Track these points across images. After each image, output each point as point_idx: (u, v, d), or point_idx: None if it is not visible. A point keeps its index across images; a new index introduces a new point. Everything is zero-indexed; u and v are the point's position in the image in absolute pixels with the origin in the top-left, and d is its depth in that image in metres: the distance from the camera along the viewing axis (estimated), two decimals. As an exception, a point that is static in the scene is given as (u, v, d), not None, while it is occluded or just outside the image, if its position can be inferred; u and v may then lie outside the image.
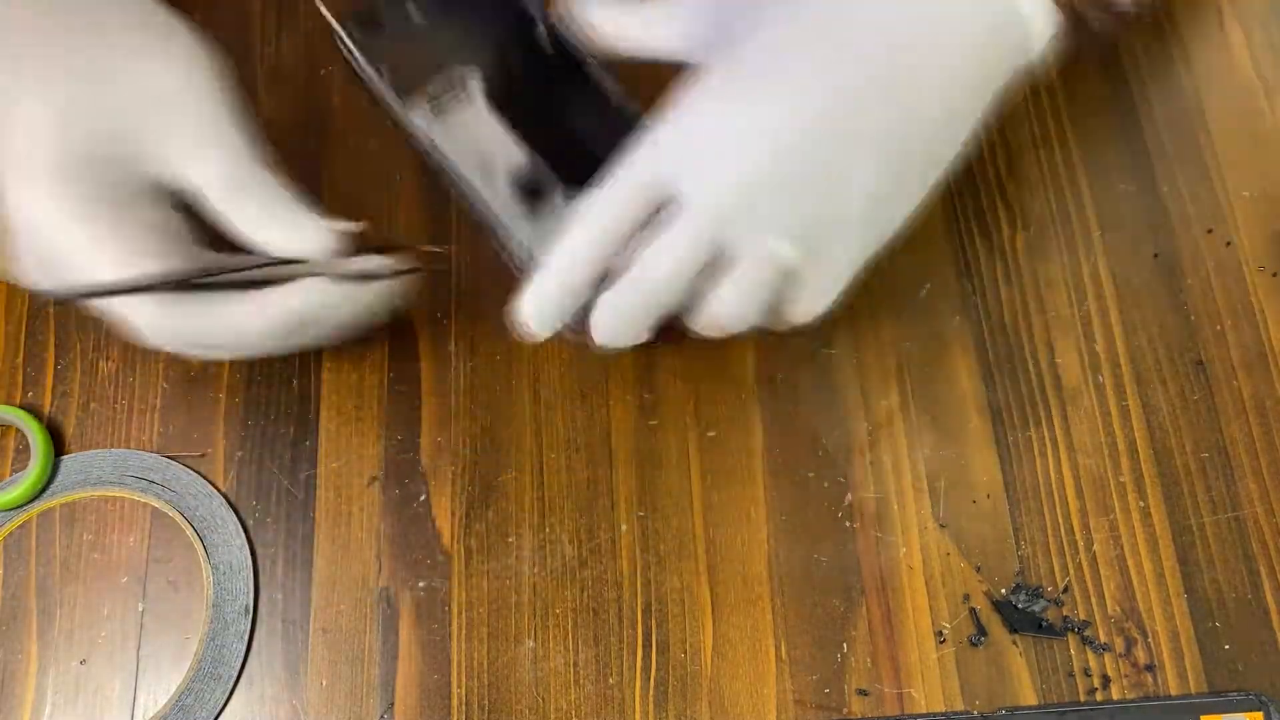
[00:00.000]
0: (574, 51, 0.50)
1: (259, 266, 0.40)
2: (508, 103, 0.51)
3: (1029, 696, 0.43)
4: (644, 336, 0.41)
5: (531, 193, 0.49)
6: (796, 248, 0.40)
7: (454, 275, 0.49)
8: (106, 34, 0.40)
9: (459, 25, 0.52)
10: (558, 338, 0.48)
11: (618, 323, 0.41)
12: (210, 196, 0.40)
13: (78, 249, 0.39)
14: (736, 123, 0.39)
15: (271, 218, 0.40)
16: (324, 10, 0.48)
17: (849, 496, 0.46)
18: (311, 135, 0.52)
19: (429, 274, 0.45)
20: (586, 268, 0.40)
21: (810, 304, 0.42)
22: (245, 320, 0.40)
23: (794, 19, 0.40)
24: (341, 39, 0.51)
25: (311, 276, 0.40)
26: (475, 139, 0.50)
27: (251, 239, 0.40)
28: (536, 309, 0.41)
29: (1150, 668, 0.44)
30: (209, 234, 0.41)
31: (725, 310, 0.40)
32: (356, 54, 0.50)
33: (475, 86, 0.50)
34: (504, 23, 0.52)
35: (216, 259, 0.40)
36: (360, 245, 0.41)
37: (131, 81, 0.40)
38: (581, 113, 0.51)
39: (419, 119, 0.50)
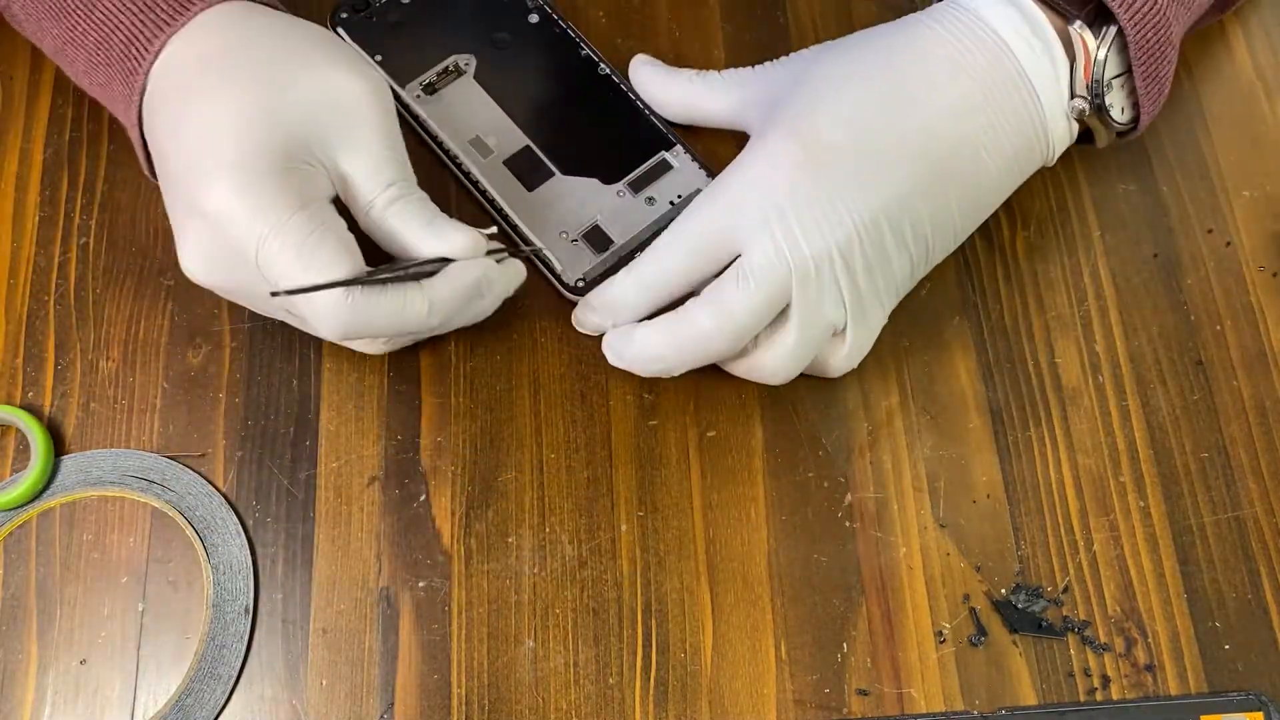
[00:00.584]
0: (566, 34, 0.51)
1: (422, 263, 0.43)
2: (499, 84, 0.51)
3: (1029, 696, 0.43)
4: (675, 373, 0.45)
5: (525, 171, 0.49)
6: (849, 317, 0.44)
7: (454, 275, 0.49)
8: (291, 45, 0.43)
9: (450, 11, 0.52)
10: (558, 338, 0.48)
11: (647, 359, 0.44)
12: (377, 204, 0.43)
13: (255, 245, 0.40)
14: (814, 195, 0.42)
15: (429, 225, 0.43)
16: None
17: (849, 496, 0.46)
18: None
19: (525, 258, 0.48)
20: (630, 312, 0.45)
21: (848, 362, 0.46)
22: (421, 306, 0.42)
23: (859, 103, 0.44)
24: (334, 25, 0.51)
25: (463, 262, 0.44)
26: (468, 120, 0.50)
27: (413, 244, 0.43)
28: (588, 314, 0.47)
29: (1150, 668, 0.44)
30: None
31: (771, 367, 0.44)
32: (348, 40, 0.50)
33: (468, 69, 0.51)
34: (495, 7, 0.52)
35: (387, 264, 0.43)
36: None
37: (314, 85, 0.42)
38: (573, 93, 0.52)
39: (413, 102, 0.50)
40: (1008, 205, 0.51)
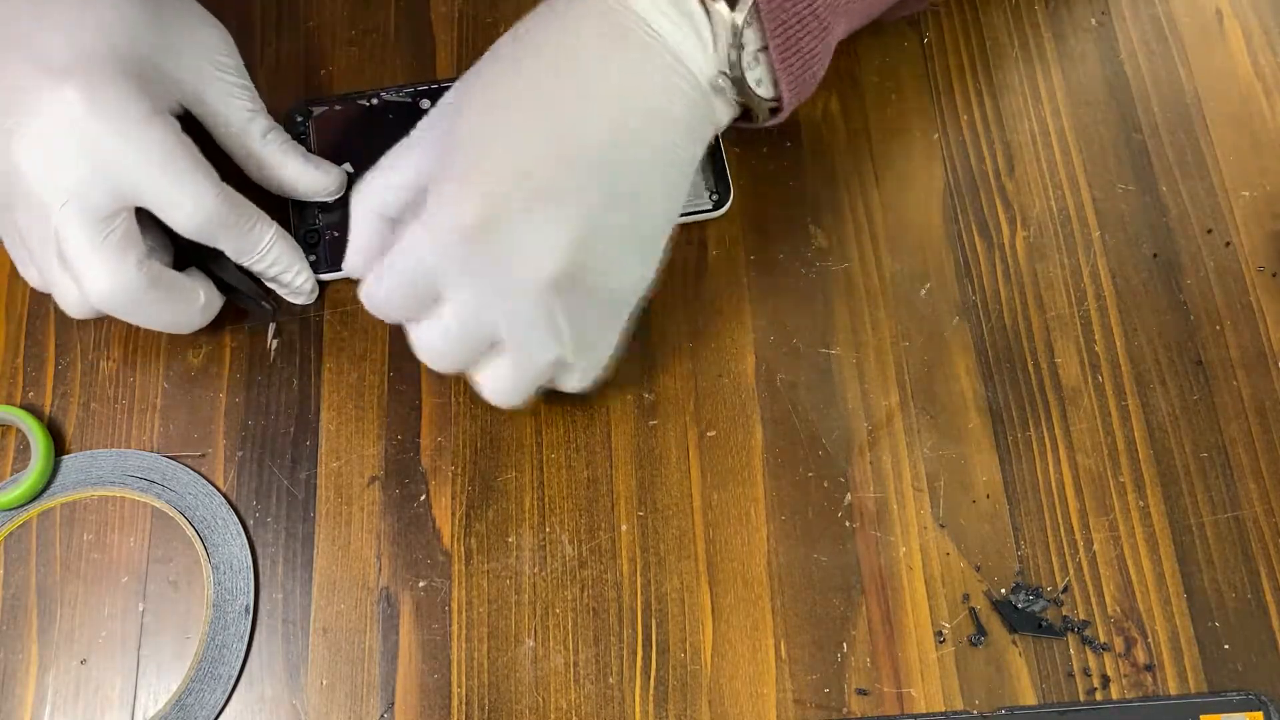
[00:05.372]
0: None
1: (257, 287, 0.48)
2: None
3: (1029, 696, 0.43)
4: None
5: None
6: (569, 352, 0.41)
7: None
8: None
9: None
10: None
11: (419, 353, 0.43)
12: (252, 130, 0.47)
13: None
14: (493, 259, 0.39)
15: (309, 160, 0.48)
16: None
17: (849, 496, 0.46)
18: (311, 135, 0.52)
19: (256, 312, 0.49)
20: (394, 301, 0.42)
21: (581, 385, 0.44)
22: (196, 309, 0.46)
23: (519, 150, 0.39)
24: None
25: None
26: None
27: (293, 178, 0.48)
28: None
29: (1150, 668, 0.44)
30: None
31: (491, 393, 0.43)
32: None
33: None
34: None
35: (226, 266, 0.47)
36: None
37: (178, 24, 0.46)
38: None
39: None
40: (1008, 205, 0.51)
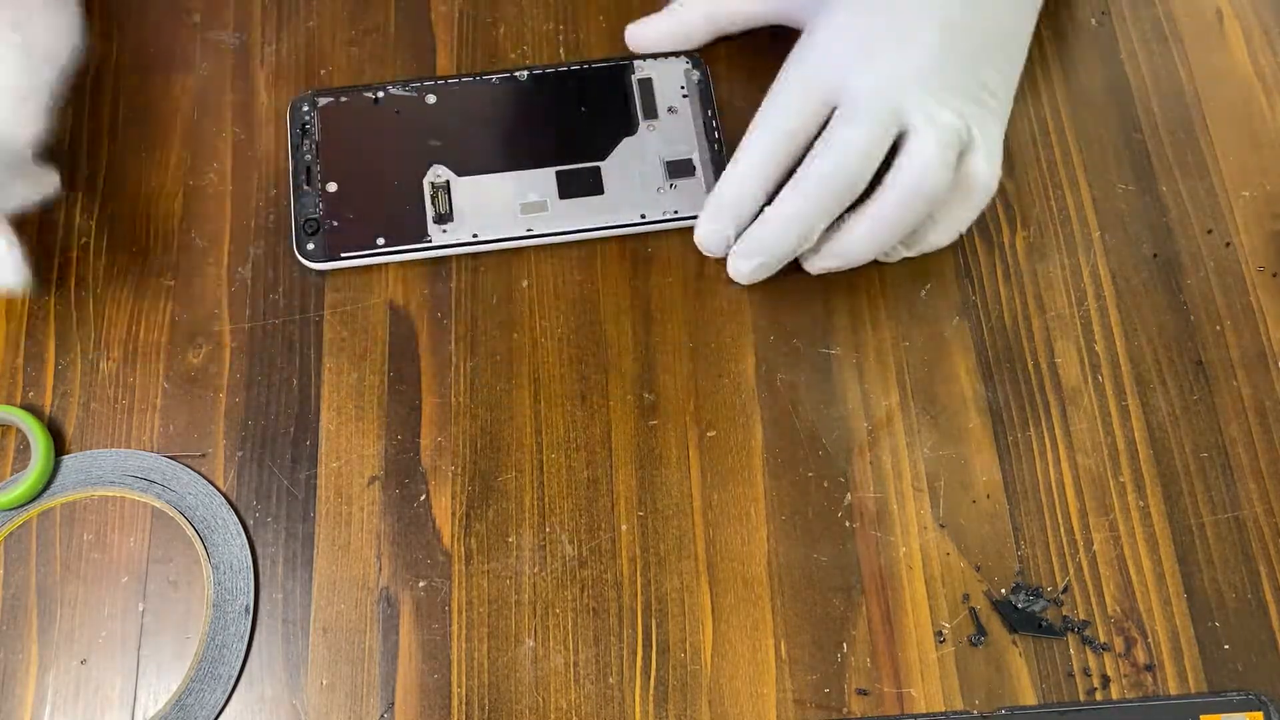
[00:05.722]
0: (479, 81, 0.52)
1: None
2: (483, 161, 0.51)
3: (1029, 696, 0.43)
4: (785, 260, 0.46)
5: (583, 183, 0.51)
6: (971, 124, 0.44)
7: (454, 276, 0.49)
8: None
9: (381, 166, 0.52)
10: (558, 338, 0.48)
11: (778, 234, 0.44)
12: None
13: None
14: (895, 24, 0.44)
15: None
16: None
17: (849, 496, 0.46)
18: (311, 135, 0.52)
19: None
20: (749, 201, 0.45)
21: (990, 166, 0.45)
22: None
23: None
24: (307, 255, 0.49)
25: None
26: (499, 201, 0.50)
27: None
28: (711, 223, 0.46)
29: (1150, 668, 0.44)
30: None
31: (915, 184, 0.43)
32: (345, 258, 0.49)
33: (446, 174, 0.51)
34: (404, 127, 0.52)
35: None
36: None
37: None
38: (534, 106, 0.54)
39: (446, 238, 0.50)
40: (1008, 205, 0.51)
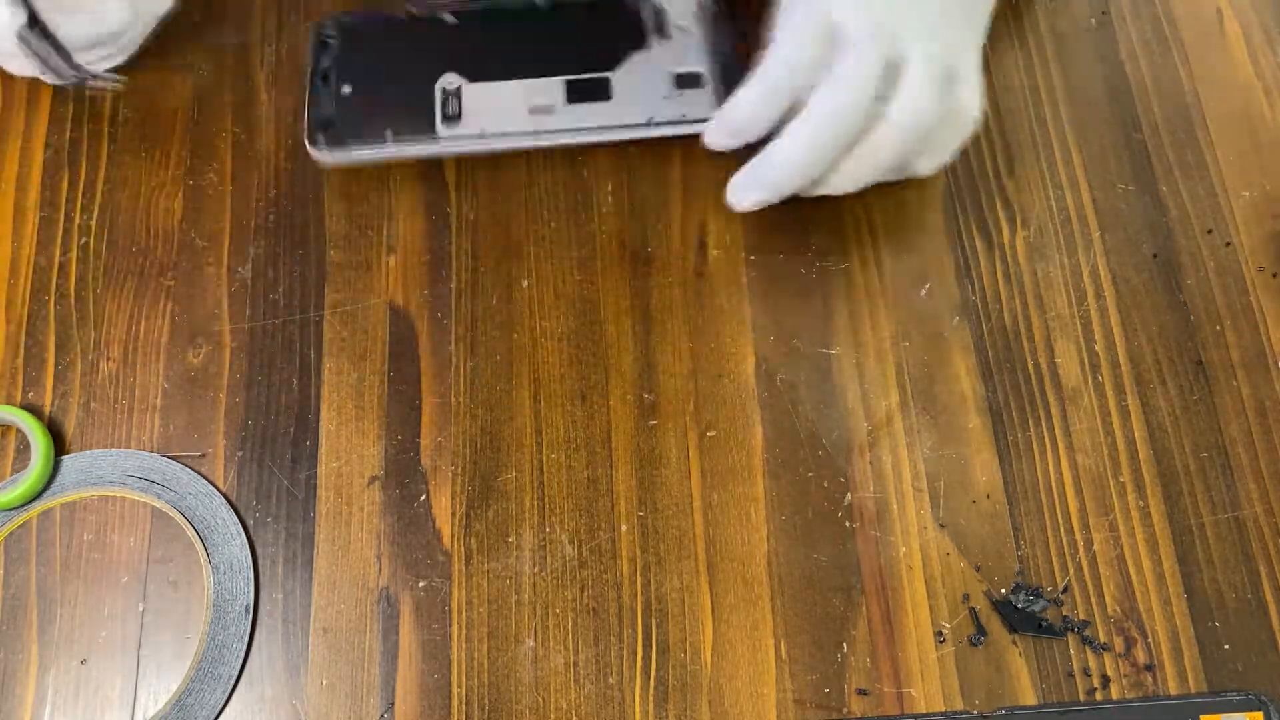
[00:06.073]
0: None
1: None
2: (490, 67, 0.52)
3: (1029, 696, 0.43)
4: (792, 189, 0.47)
5: (589, 90, 0.51)
6: (954, 48, 0.45)
7: (454, 276, 0.49)
8: None
9: (395, 66, 0.53)
10: (558, 338, 0.49)
11: (782, 167, 0.45)
12: None
13: None
14: None
15: None
16: None
17: (849, 496, 0.46)
18: (311, 135, 0.52)
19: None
20: (759, 123, 0.46)
21: (974, 97, 0.46)
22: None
23: None
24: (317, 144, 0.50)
25: None
26: (507, 105, 0.51)
27: None
28: (718, 139, 0.47)
29: (1150, 668, 0.44)
30: None
31: (911, 115, 0.44)
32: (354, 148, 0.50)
33: (459, 82, 0.52)
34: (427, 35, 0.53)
35: None
36: None
37: None
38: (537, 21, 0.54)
39: (455, 140, 0.50)
40: (1008, 205, 0.51)
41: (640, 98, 0.51)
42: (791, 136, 0.45)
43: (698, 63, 0.52)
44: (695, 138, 0.52)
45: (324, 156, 0.50)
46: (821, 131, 0.45)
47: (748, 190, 0.47)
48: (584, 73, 0.51)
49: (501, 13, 0.53)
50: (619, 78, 0.51)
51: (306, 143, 0.49)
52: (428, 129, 0.50)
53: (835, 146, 0.45)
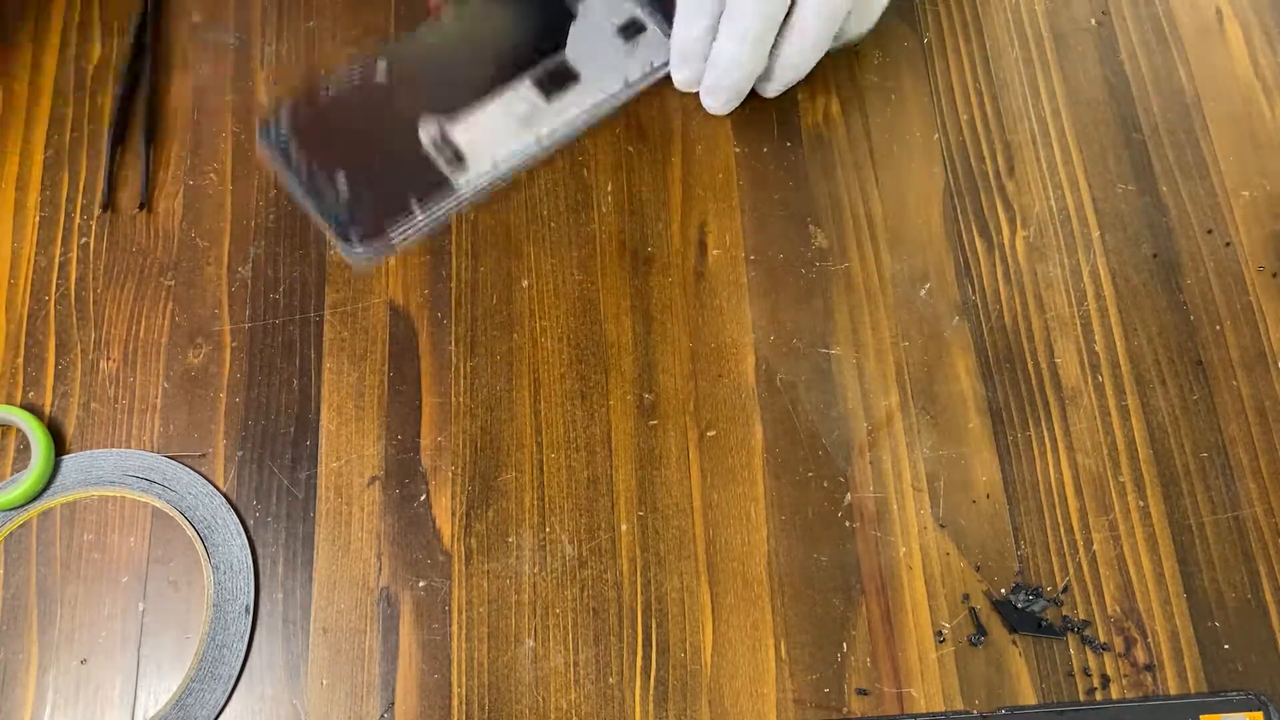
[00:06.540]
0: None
1: None
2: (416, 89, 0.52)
3: (1029, 696, 0.43)
4: (745, 86, 0.49)
5: (556, 80, 0.51)
6: None
7: (454, 276, 0.49)
8: None
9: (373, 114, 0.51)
10: (558, 338, 0.49)
11: (731, 64, 0.48)
12: None
13: None
14: None
15: None
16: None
17: (849, 496, 0.46)
18: (311, 135, 0.52)
19: None
20: (704, 13, 0.47)
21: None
22: None
23: None
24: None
25: None
26: (497, 136, 0.51)
27: None
28: (679, 71, 0.50)
29: (1150, 667, 0.44)
30: None
31: (817, 6, 0.46)
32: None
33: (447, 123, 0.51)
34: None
35: None
36: None
37: None
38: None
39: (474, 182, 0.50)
40: (1008, 205, 0.51)
41: (603, 66, 0.51)
42: (726, 36, 0.47)
43: (630, 5, 0.52)
44: (695, 138, 0.52)
45: (369, 253, 0.48)
46: (749, 23, 0.46)
47: (712, 96, 0.50)
48: (538, 63, 0.51)
49: (427, 38, 0.52)
50: (574, 56, 0.51)
51: (344, 255, 0.49)
52: (446, 184, 0.49)
53: (765, 34, 0.47)
